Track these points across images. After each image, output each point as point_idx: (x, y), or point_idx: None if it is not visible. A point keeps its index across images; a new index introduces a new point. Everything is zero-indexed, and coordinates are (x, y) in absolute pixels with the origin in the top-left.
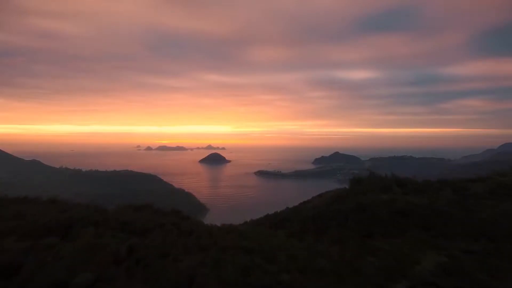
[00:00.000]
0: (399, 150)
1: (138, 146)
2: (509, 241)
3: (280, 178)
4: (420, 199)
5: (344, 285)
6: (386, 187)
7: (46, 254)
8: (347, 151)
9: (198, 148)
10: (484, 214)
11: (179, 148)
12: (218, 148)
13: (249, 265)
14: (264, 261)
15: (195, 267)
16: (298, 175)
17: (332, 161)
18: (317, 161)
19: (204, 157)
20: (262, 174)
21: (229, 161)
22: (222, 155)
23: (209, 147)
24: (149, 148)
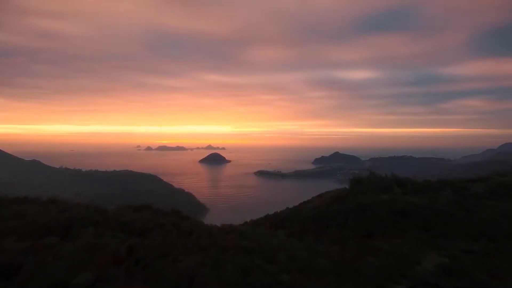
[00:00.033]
0: (399, 150)
1: (138, 146)
2: (509, 241)
3: (280, 178)
4: (420, 199)
5: (344, 285)
6: (386, 187)
7: (46, 254)
8: (347, 151)
9: (198, 148)
10: (484, 214)
11: (179, 148)
12: (218, 148)
13: (249, 265)
14: (264, 261)
15: (195, 267)
16: (298, 175)
17: (332, 161)
18: (317, 161)
19: (204, 157)
20: (262, 174)
21: (229, 161)
22: (222, 155)
23: (209, 147)
24: (149, 148)
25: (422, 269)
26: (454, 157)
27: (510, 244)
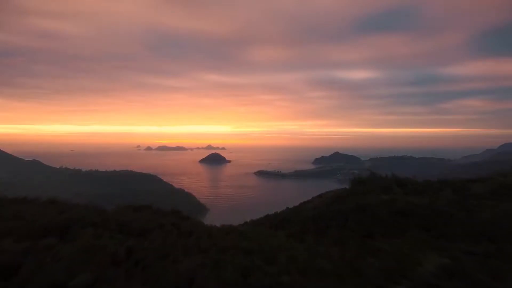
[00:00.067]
0: (399, 150)
1: (138, 146)
2: (510, 242)
3: (280, 178)
4: (420, 199)
5: (345, 286)
6: (387, 187)
7: (45, 255)
8: (347, 151)
9: (198, 148)
10: (485, 215)
11: (179, 148)
12: (218, 148)
13: (249, 266)
14: (264, 262)
15: (195, 268)
16: (298, 175)
17: (332, 161)
18: (317, 161)
19: (204, 157)
20: (262, 174)
21: (229, 161)
22: (222, 155)
23: (209, 147)
24: (149, 148)
25: (423, 270)
26: (454, 157)
27: (511, 244)
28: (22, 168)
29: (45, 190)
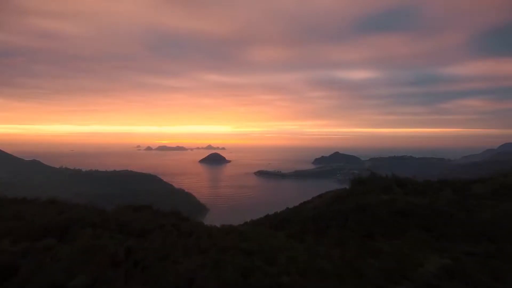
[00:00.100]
0: (399, 150)
1: (138, 146)
2: (511, 242)
3: (280, 178)
4: (420, 199)
5: (345, 286)
6: (387, 187)
7: (44, 256)
8: (347, 151)
9: (198, 148)
10: (485, 215)
11: (179, 148)
12: (218, 148)
13: (249, 267)
14: (264, 263)
15: (194, 269)
16: (298, 175)
17: (332, 161)
18: (317, 161)
19: (204, 157)
20: (262, 174)
21: (229, 161)
22: (222, 155)
23: (209, 147)
24: (149, 148)
25: (423, 270)
26: (454, 157)
27: (511, 245)
28: (22, 168)
29: (45, 190)
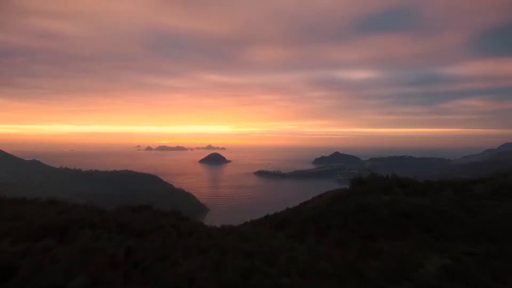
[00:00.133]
0: (399, 150)
1: (138, 146)
2: (511, 242)
3: (280, 178)
4: (421, 199)
5: (346, 287)
6: (387, 187)
7: (43, 257)
8: (347, 151)
9: (198, 148)
10: (486, 215)
11: (179, 148)
12: (218, 148)
13: (249, 268)
14: (264, 264)
15: (194, 270)
16: (298, 175)
17: (332, 161)
18: (317, 161)
19: (204, 157)
20: (262, 174)
21: (229, 161)
22: (222, 155)
23: (209, 147)
24: (149, 148)
25: (424, 271)
26: (454, 157)
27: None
28: (22, 168)
29: (45, 190)
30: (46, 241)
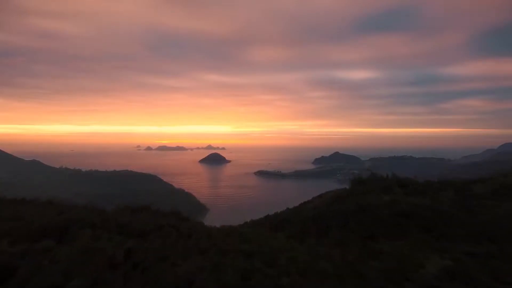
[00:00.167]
0: (399, 150)
1: (138, 146)
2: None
3: (280, 178)
4: (421, 199)
5: None
6: (387, 187)
7: (42, 257)
8: (347, 151)
9: (198, 148)
10: (487, 216)
11: (179, 148)
12: (218, 148)
13: (249, 269)
14: (264, 265)
15: (194, 271)
16: (298, 175)
17: (332, 161)
18: (317, 161)
19: (204, 157)
20: (262, 174)
21: (229, 161)
22: (222, 155)
23: (209, 147)
24: (149, 148)
25: (425, 272)
26: (454, 157)
27: None
28: (22, 168)
29: (45, 190)
30: (45, 241)
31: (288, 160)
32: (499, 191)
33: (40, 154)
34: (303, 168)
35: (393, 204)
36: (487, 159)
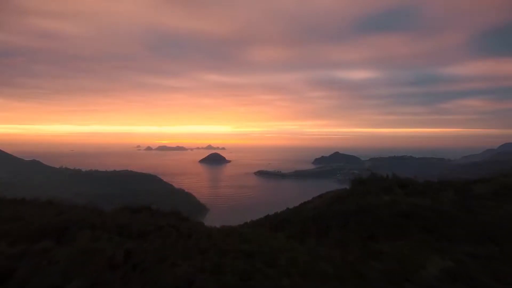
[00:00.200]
0: (399, 150)
1: (138, 146)
2: None
3: (280, 178)
4: (421, 200)
5: None
6: (387, 188)
7: (41, 258)
8: (347, 151)
9: (198, 148)
10: (488, 216)
11: (179, 148)
12: (218, 148)
13: (249, 270)
14: (264, 265)
15: (194, 272)
16: (298, 175)
17: (332, 161)
18: (317, 161)
19: (204, 157)
20: (262, 174)
21: (229, 161)
22: (222, 155)
23: (209, 147)
24: (149, 148)
25: (426, 273)
26: (454, 157)
27: None
28: (22, 168)
29: (45, 190)
30: (45, 242)
31: (288, 160)
32: (500, 192)
33: (40, 154)
34: (303, 168)
35: (393, 205)
36: (487, 159)
